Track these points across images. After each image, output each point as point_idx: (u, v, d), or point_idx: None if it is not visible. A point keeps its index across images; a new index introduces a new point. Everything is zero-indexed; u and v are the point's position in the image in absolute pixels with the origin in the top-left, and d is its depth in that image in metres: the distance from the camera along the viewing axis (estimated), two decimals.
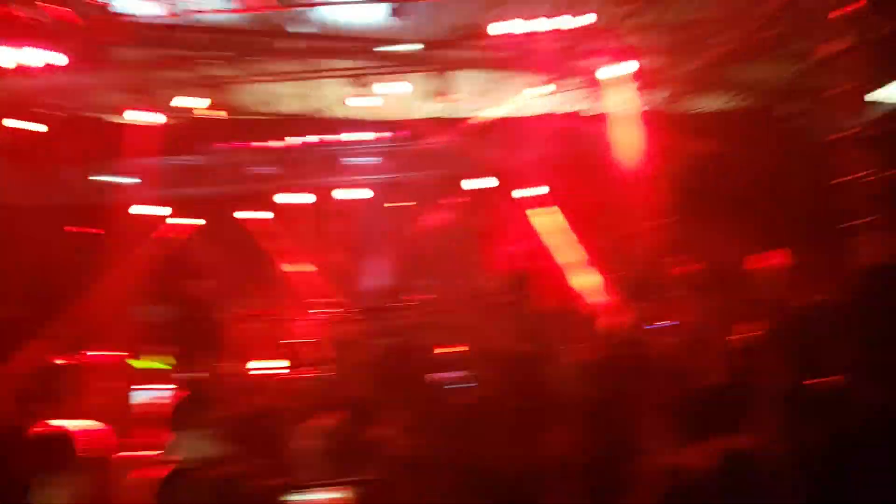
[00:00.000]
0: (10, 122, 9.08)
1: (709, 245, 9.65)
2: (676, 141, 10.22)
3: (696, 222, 9.80)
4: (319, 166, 12.28)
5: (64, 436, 3.11)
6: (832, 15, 7.95)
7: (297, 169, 12.35)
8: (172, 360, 10.40)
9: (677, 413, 2.93)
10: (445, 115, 11.26)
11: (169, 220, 12.18)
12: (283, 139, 11.65)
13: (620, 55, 9.15)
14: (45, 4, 7.35)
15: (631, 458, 2.75)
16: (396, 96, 9.94)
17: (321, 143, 11.70)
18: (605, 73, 9.31)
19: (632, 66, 9.24)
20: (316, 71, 9.74)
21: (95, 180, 11.29)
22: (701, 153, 10.39)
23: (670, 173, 9.77)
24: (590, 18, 8.42)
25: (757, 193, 10.47)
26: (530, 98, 10.26)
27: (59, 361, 8.96)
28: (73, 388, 7.59)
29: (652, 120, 10.42)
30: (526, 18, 8.45)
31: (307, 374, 8.88)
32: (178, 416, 3.33)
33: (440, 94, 9.25)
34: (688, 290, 8.66)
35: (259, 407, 5.15)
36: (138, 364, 10.40)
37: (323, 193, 12.89)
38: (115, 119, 10.40)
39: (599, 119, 10.99)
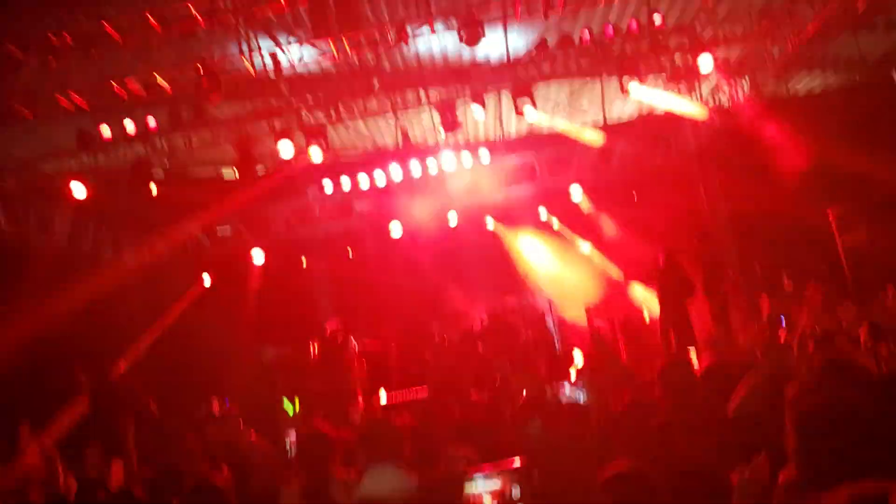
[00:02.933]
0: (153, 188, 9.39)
1: None
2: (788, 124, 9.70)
3: None
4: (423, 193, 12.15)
5: None
6: None
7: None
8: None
9: None
10: (536, 129, 11.20)
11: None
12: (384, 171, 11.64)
13: (707, 47, 8.80)
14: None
15: None
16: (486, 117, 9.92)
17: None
18: (701, 64, 8.89)
19: (720, 55, 8.89)
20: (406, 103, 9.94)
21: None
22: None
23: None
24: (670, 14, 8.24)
25: None
26: (626, 100, 9.83)
27: None
28: None
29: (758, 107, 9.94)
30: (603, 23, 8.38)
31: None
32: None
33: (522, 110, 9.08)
34: None
35: None
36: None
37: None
38: (222, 172, 10.91)
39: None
